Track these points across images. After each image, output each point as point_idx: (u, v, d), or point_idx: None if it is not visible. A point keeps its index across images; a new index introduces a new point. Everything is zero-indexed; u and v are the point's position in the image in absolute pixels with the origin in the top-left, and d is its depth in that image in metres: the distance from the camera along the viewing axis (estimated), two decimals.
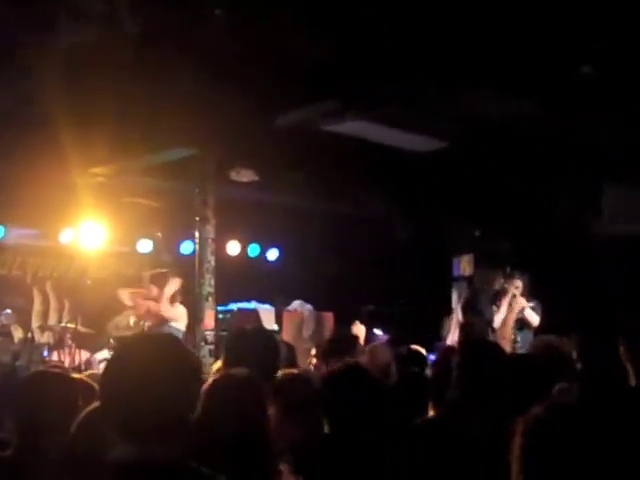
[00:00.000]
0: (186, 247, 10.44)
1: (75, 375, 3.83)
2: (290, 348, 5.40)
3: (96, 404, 2.53)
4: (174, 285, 8.79)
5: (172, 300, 8.72)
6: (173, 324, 8.48)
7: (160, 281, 8.92)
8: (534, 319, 8.23)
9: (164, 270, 8.96)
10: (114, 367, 2.19)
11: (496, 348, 3.38)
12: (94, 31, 5.67)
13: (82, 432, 2.57)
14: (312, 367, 6.09)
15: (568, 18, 5.12)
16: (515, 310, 8.23)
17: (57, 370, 3.31)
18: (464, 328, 7.15)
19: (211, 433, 2.53)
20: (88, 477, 2.34)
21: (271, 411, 3.18)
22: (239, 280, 10.23)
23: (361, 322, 7.79)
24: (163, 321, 8.56)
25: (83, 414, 2.62)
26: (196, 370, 2.25)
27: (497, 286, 8.55)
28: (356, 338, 5.62)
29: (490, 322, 8.19)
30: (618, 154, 7.65)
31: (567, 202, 8.75)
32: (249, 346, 3.73)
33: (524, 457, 1.58)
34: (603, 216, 8.50)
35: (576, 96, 6.18)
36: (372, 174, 8.71)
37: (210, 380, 2.74)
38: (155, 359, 2.14)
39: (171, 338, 2.39)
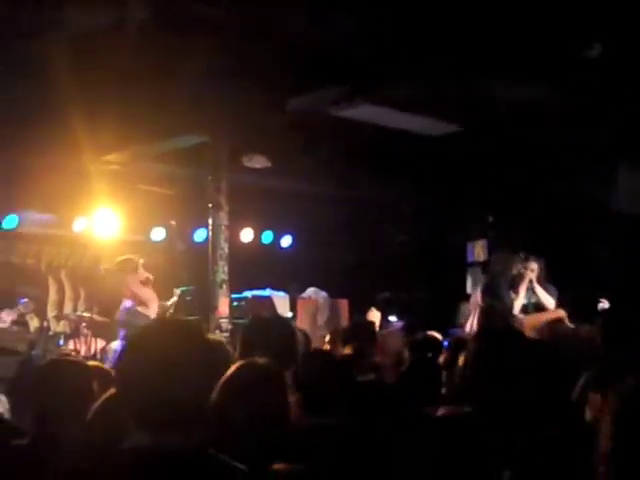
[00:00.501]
0: (199, 235, 10.42)
1: (91, 362, 3.83)
2: (305, 336, 5.38)
3: (112, 391, 2.51)
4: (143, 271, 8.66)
5: (145, 283, 8.59)
6: (140, 309, 8.34)
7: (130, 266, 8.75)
8: (550, 302, 8.18)
9: (131, 256, 8.79)
10: (129, 354, 2.16)
11: (518, 334, 3.33)
12: (103, 17, 5.63)
13: (98, 420, 2.55)
14: None
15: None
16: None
17: (71, 358, 3.30)
18: (485, 311, 7.10)
19: (230, 422, 2.50)
20: (104, 465, 2.31)
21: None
22: (253, 267, 10.21)
23: (376, 309, 7.77)
24: (141, 304, 8.40)
25: (99, 402, 2.60)
26: (214, 357, 2.22)
27: (514, 271, 8.50)
28: (372, 324, 5.60)
29: (509, 307, 8.15)
30: (633, 135, 7.58)
31: (582, 185, 8.68)
32: (266, 334, 3.71)
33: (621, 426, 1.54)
34: (619, 197, 8.43)
35: (588, 78, 6.12)
36: (385, 159, 8.67)
37: (231, 369, 2.71)
38: (171, 345, 2.11)
39: (189, 324, 2.36)
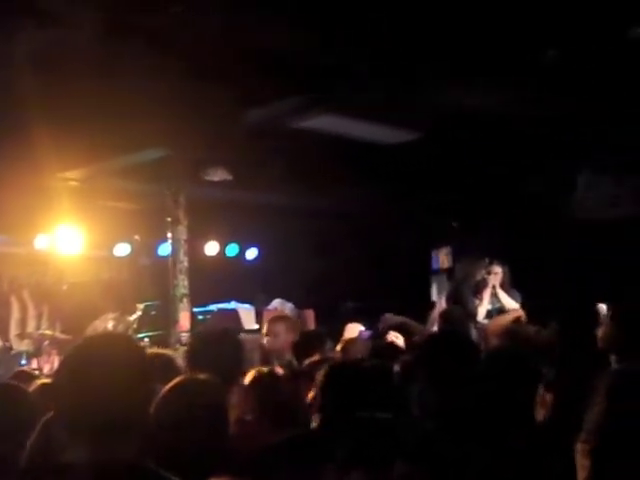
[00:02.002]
0: (164, 249, 10.37)
1: (44, 380, 3.79)
2: (265, 350, 5.39)
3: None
4: None
5: None
6: None
7: None
8: (514, 308, 8.21)
9: None
10: (64, 369, 2.15)
11: (463, 339, 3.33)
12: (60, 32, 5.59)
13: (40, 438, 2.52)
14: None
15: (533, 4, 5.10)
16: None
17: (12, 382, 3.28)
18: (442, 316, 7.14)
19: (166, 436, 2.48)
20: None
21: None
22: (218, 280, 10.18)
23: (342, 319, 7.75)
24: None
25: (43, 420, 2.57)
26: (148, 371, 2.20)
27: (478, 277, 8.54)
28: (323, 335, 5.61)
29: (473, 313, 8.18)
30: (592, 141, 7.65)
31: (543, 191, 8.75)
32: (211, 349, 3.68)
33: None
34: (580, 203, 8.51)
35: (545, 82, 6.17)
36: (347, 169, 8.67)
37: (169, 385, 2.69)
38: (106, 359, 2.10)
39: (125, 338, 2.35)
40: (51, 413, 2.55)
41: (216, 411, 2.64)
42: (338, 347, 5.35)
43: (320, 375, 3.26)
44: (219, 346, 3.74)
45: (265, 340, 5.87)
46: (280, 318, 6.44)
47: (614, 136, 7.56)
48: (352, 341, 5.62)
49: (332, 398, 3.11)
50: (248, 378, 3.39)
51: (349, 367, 3.48)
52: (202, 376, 2.72)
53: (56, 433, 2.15)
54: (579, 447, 2.58)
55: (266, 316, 9.67)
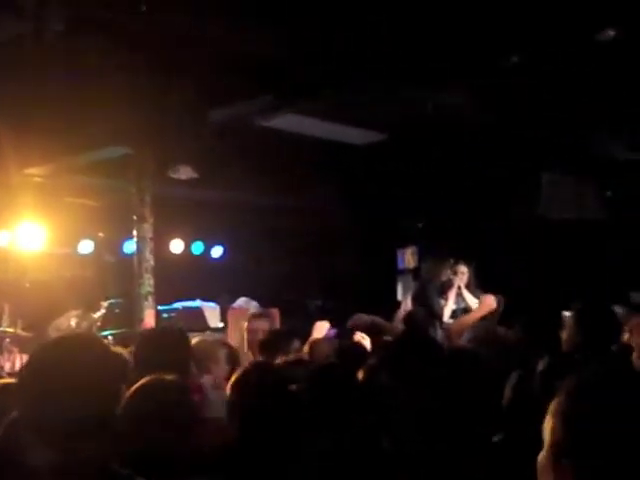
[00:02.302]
0: (128, 246, 10.31)
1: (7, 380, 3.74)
2: (231, 349, 5.34)
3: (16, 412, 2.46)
4: None
5: None
6: None
7: None
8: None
9: None
10: (29, 369, 2.13)
11: (427, 340, 3.35)
12: (21, 27, 5.54)
13: (5, 438, 2.49)
14: None
15: (497, 7, 5.15)
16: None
17: None
18: (406, 318, 7.16)
19: (135, 437, 2.48)
20: None
21: None
22: (183, 279, 10.14)
23: (308, 317, 7.75)
24: None
25: (6, 421, 2.54)
26: (116, 370, 2.19)
27: (444, 277, 8.57)
28: (291, 334, 5.58)
29: (438, 314, 8.21)
30: (556, 141, 7.73)
31: (508, 191, 8.82)
32: (158, 348, 3.62)
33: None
34: (544, 203, 8.59)
35: (507, 85, 6.23)
36: (313, 167, 8.69)
37: (136, 385, 2.68)
38: (71, 359, 2.08)
39: (91, 338, 2.33)
40: (15, 413, 2.52)
41: (183, 411, 2.63)
42: (305, 347, 5.34)
43: None
44: (163, 345, 3.67)
45: (233, 337, 5.81)
46: (262, 315, 6.32)
47: (579, 136, 7.66)
48: (318, 341, 5.61)
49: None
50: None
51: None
52: (168, 377, 2.71)
53: (21, 434, 2.13)
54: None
55: (231, 314, 9.66)
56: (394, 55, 5.91)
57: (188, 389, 2.77)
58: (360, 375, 3.65)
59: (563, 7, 5.15)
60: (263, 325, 5.91)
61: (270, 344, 5.24)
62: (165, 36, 5.91)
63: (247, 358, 6.18)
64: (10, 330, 8.89)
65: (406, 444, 2.88)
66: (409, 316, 7.15)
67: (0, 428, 2.50)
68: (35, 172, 8.65)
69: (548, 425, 1.56)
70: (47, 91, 6.51)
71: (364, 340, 5.82)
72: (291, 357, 4.84)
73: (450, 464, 2.79)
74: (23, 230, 9.32)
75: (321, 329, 6.68)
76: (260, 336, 5.72)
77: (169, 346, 3.66)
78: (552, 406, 1.57)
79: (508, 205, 9.00)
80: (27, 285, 9.33)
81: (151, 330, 4.20)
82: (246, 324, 6.04)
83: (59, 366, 2.07)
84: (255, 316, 6.15)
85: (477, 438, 2.91)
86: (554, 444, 1.54)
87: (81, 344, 2.20)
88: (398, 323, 8.52)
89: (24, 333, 8.92)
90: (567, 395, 1.56)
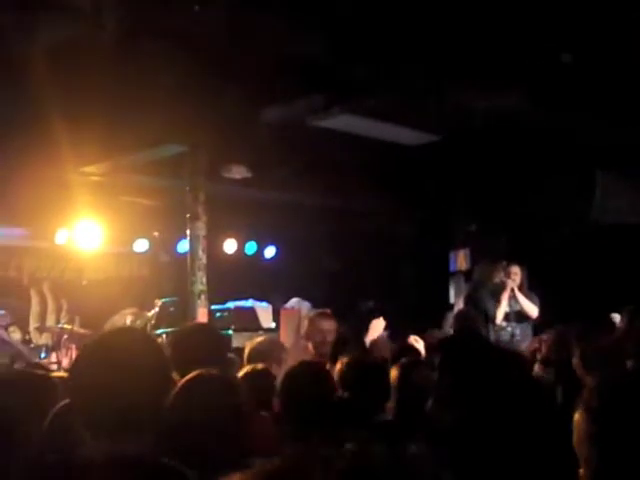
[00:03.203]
0: (183, 246, 10.40)
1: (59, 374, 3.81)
2: (275, 344, 5.35)
3: (66, 401, 2.51)
4: None
5: None
6: None
7: None
8: (532, 310, 8.18)
9: None
10: (82, 363, 2.18)
11: (480, 340, 3.32)
12: (79, 27, 5.63)
13: (53, 430, 2.53)
14: None
15: (548, 7, 5.08)
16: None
17: (26, 370, 3.29)
18: (457, 317, 7.13)
19: (184, 429, 2.49)
20: (59, 476, 2.30)
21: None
22: (236, 278, 10.20)
23: (360, 318, 7.73)
24: None
25: (53, 412, 2.59)
26: (165, 366, 2.22)
27: (497, 280, 8.50)
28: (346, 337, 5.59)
29: (491, 316, 8.15)
30: (610, 143, 7.61)
31: (561, 194, 8.70)
32: (192, 345, 3.63)
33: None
34: (597, 207, 8.45)
35: (562, 86, 6.14)
36: (366, 168, 8.67)
37: (185, 378, 2.70)
38: (122, 354, 2.13)
39: (141, 334, 2.37)
40: (62, 403, 2.57)
41: (229, 405, 2.64)
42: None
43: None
44: (193, 343, 3.67)
45: (285, 337, 5.76)
46: (329, 315, 6.06)
47: (634, 140, 7.52)
48: (377, 341, 5.62)
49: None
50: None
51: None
52: (213, 371, 2.73)
53: (73, 426, 2.17)
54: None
55: (284, 315, 9.69)
56: (445, 55, 5.88)
57: (233, 383, 2.78)
58: (394, 373, 3.65)
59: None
60: (333, 325, 5.82)
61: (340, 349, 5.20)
62: (219, 36, 5.95)
63: (303, 357, 6.16)
64: (68, 327, 9.06)
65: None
66: (461, 315, 7.11)
67: (48, 417, 2.55)
68: (92, 170, 8.77)
69: None
70: (104, 91, 6.60)
71: (417, 343, 5.81)
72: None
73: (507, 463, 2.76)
74: (80, 229, 9.46)
75: (377, 327, 6.66)
76: (330, 337, 5.68)
77: (201, 344, 3.67)
78: None
79: (561, 208, 8.88)
80: (84, 283, 9.48)
81: (183, 329, 4.21)
82: (310, 323, 5.93)
83: (108, 359, 2.12)
84: (322, 316, 5.99)
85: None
86: None
87: (129, 339, 2.25)
88: (450, 325, 8.49)
89: (81, 330, 9.08)
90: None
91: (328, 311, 6.01)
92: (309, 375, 3.53)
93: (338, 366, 3.95)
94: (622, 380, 1.58)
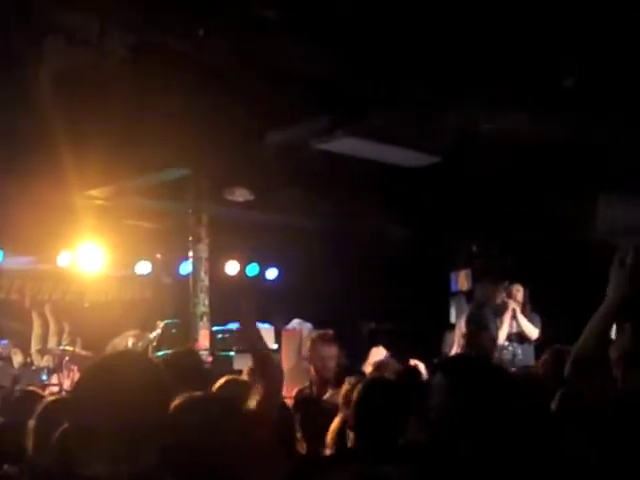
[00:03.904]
0: (185, 268, 10.43)
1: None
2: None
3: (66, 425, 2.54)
4: None
5: None
6: None
7: None
8: (533, 332, 8.20)
9: None
10: (83, 385, 2.20)
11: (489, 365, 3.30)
12: (85, 51, 5.69)
13: (56, 451, 2.56)
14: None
15: (553, 29, 5.14)
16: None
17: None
18: (470, 339, 7.09)
19: (184, 450, 2.51)
20: None
21: None
22: (238, 300, 10.19)
23: (362, 339, 7.75)
24: None
25: (58, 433, 2.61)
26: (162, 385, 2.25)
27: (498, 300, 8.52)
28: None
29: (494, 337, 8.16)
30: (613, 164, 7.65)
31: (563, 214, 8.73)
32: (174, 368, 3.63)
33: None
34: (599, 227, 8.48)
35: (564, 107, 6.19)
36: (368, 190, 8.71)
37: (182, 401, 2.72)
38: (123, 377, 2.16)
39: (139, 355, 2.41)
40: (65, 425, 2.59)
41: (229, 423, 2.66)
42: (368, 368, 5.33)
43: None
44: (177, 368, 3.66)
45: (287, 359, 5.70)
46: (331, 340, 5.81)
47: (635, 160, 7.56)
48: (384, 363, 5.62)
49: None
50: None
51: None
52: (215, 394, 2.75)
53: (74, 448, 2.19)
54: None
55: (285, 336, 9.69)
56: (448, 78, 5.94)
57: (233, 402, 2.80)
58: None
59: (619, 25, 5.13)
60: (333, 352, 5.69)
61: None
62: (222, 59, 6.01)
63: (304, 379, 6.16)
64: (69, 349, 9.07)
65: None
66: (471, 337, 7.06)
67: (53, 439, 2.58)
68: (96, 194, 8.82)
69: None
70: (108, 115, 6.65)
71: (419, 365, 5.83)
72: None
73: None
74: (83, 251, 9.49)
75: (377, 355, 6.66)
76: (330, 363, 5.60)
77: (184, 368, 3.67)
78: None
79: (563, 228, 8.91)
80: (86, 305, 9.50)
81: (167, 354, 4.20)
82: (311, 347, 5.83)
83: (109, 382, 2.16)
84: (325, 340, 5.79)
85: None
86: None
87: (128, 361, 2.31)
88: (450, 346, 8.49)
89: (83, 352, 9.09)
90: None
91: (330, 332, 5.93)
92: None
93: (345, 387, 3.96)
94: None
